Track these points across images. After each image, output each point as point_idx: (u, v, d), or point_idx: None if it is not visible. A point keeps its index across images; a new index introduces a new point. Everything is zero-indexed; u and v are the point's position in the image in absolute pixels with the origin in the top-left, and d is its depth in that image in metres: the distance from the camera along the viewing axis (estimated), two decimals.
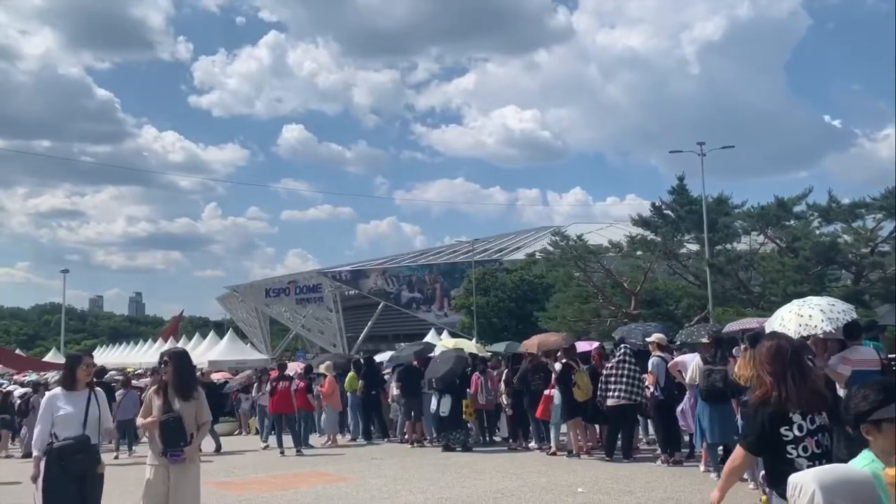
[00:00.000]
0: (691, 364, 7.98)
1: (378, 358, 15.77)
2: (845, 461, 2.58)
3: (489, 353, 16.24)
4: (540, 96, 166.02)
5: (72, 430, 4.55)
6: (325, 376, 13.25)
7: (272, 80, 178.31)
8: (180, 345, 43.52)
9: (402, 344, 22.24)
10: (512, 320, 41.18)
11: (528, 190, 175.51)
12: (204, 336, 41.88)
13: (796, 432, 2.93)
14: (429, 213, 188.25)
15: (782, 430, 2.92)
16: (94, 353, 33.89)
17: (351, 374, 13.71)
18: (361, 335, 63.04)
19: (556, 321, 29.86)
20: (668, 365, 8.69)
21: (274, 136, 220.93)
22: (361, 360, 15.04)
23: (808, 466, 2.81)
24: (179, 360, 4.77)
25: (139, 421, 4.90)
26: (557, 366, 10.07)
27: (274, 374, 13.09)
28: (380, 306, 62.69)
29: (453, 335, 34.06)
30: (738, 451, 3.03)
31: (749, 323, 10.52)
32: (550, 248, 30.90)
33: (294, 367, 15.21)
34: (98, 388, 4.86)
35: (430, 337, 28.77)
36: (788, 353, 3.01)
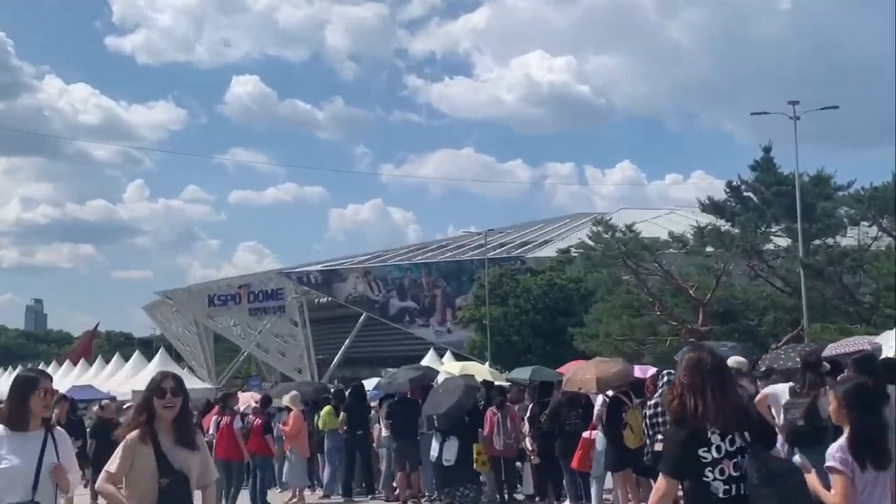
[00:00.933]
0: (784, 397, 7.92)
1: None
2: (756, 485, 3.36)
3: (508, 382, 16.31)
4: (576, 39, 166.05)
5: (16, 493, 3.96)
6: (289, 411, 13.29)
7: (217, 17, 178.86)
8: (94, 369, 43.82)
9: (391, 369, 22.30)
10: (538, 338, 41.32)
11: (559, 164, 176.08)
12: (126, 358, 42.20)
13: (714, 454, 3.47)
14: (426, 195, 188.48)
15: (700, 451, 3.47)
16: None
17: (328, 408, 13.83)
18: (336, 358, 63.37)
19: (598, 340, 30.02)
20: (755, 400, 8.69)
21: (220, 92, 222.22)
22: (342, 390, 15.21)
23: (725, 491, 3.43)
24: (183, 388, 4.34)
25: (101, 485, 4.21)
26: (602, 399, 10.12)
27: (216, 409, 13.16)
28: (361, 319, 63.02)
29: (460, 358, 34.13)
30: (660, 480, 3.58)
31: (857, 344, 10.52)
32: (590, 242, 30.91)
33: (246, 400, 15.30)
34: (59, 429, 4.34)
35: (428, 360, 28.89)
36: (708, 366, 3.62)
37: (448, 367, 18.61)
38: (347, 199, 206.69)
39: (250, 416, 12.71)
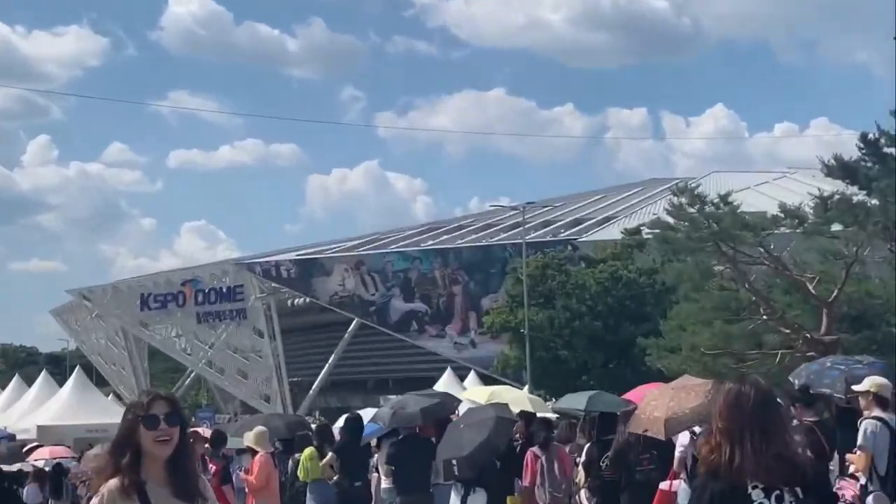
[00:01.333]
0: None
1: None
2: None
3: (555, 414, 16.30)
4: None
5: None
6: (252, 454, 13.41)
7: None
8: None
9: (393, 397, 22.39)
10: (597, 353, 41.45)
11: (626, 111, 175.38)
12: (29, 381, 42.46)
13: None
14: (440, 156, 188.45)
15: None
16: None
17: (309, 450, 13.98)
18: (318, 380, 63.86)
19: (680, 356, 30.06)
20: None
21: (154, 13, 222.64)
22: (328, 425, 15.39)
23: None
24: (181, 414, 4.26)
25: None
26: (688, 436, 10.12)
27: None
28: (351, 328, 63.51)
29: (488, 381, 34.20)
30: None
31: None
32: (669, 220, 30.79)
33: (195, 438, 15.56)
34: None
35: (445, 384, 29.01)
36: (751, 403, 3.90)
37: (472, 394, 18.70)
38: (331, 162, 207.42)
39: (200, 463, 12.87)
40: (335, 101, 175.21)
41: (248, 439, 13.59)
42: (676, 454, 10.31)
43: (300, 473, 13.85)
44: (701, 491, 3.95)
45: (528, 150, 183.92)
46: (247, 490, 13.37)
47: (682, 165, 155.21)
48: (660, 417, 10.07)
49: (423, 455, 12.19)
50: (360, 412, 18.34)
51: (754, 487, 3.77)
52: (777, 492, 3.78)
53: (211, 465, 12.82)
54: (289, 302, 68.51)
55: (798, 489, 3.80)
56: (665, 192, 44.40)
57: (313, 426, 18.01)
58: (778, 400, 4.96)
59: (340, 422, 16.02)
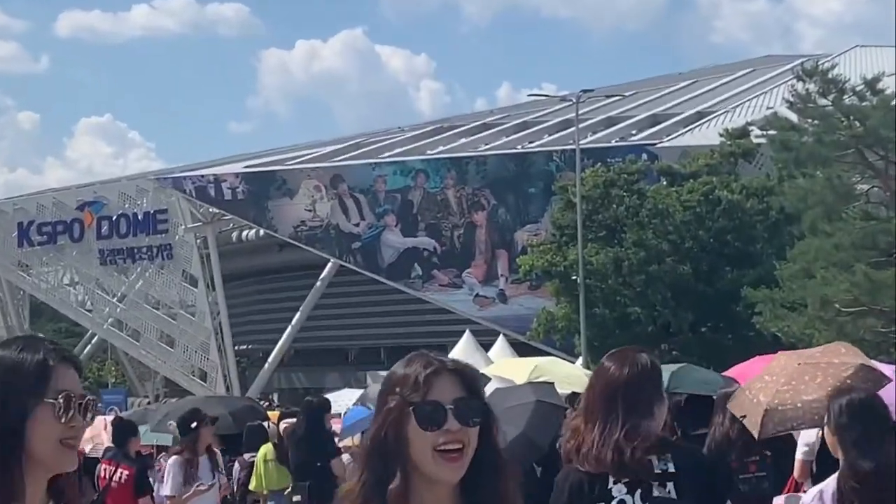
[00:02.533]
0: None
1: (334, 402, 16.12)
2: None
3: None
4: None
5: None
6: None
7: None
8: None
9: (385, 373, 22.43)
10: (683, 309, 41.53)
11: None
12: None
13: None
14: (456, 21, 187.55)
15: None
16: None
17: (266, 448, 14.45)
18: (277, 348, 63.83)
19: (803, 315, 30.34)
20: None
21: None
22: (294, 413, 15.53)
23: None
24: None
25: None
26: (810, 436, 10.23)
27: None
28: (325, 272, 63.40)
29: (522, 350, 33.94)
30: None
31: None
32: (791, 115, 30.47)
33: (95, 429, 15.96)
34: None
35: (461, 352, 29.02)
36: (621, 387, 4.70)
37: (504, 368, 18.74)
38: (295, 31, 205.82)
39: (105, 465, 13.11)
40: None
41: (174, 431, 13.77)
42: (798, 457, 10.38)
43: (252, 482, 14.01)
44: (561, 482, 4.76)
45: (584, 12, 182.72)
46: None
47: (809, 37, 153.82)
48: (762, 403, 9.93)
49: None
50: (335, 394, 18.48)
51: (615, 482, 4.54)
52: (641, 488, 4.55)
53: (121, 469, 12.95)
54: (234, 235, 68.71)
55: (669, 484, 4.56)
56: (785, 76, 43.88)
57: (270, 414, 18.13)
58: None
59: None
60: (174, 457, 11.85)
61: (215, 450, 12.85)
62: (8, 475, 3.35)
